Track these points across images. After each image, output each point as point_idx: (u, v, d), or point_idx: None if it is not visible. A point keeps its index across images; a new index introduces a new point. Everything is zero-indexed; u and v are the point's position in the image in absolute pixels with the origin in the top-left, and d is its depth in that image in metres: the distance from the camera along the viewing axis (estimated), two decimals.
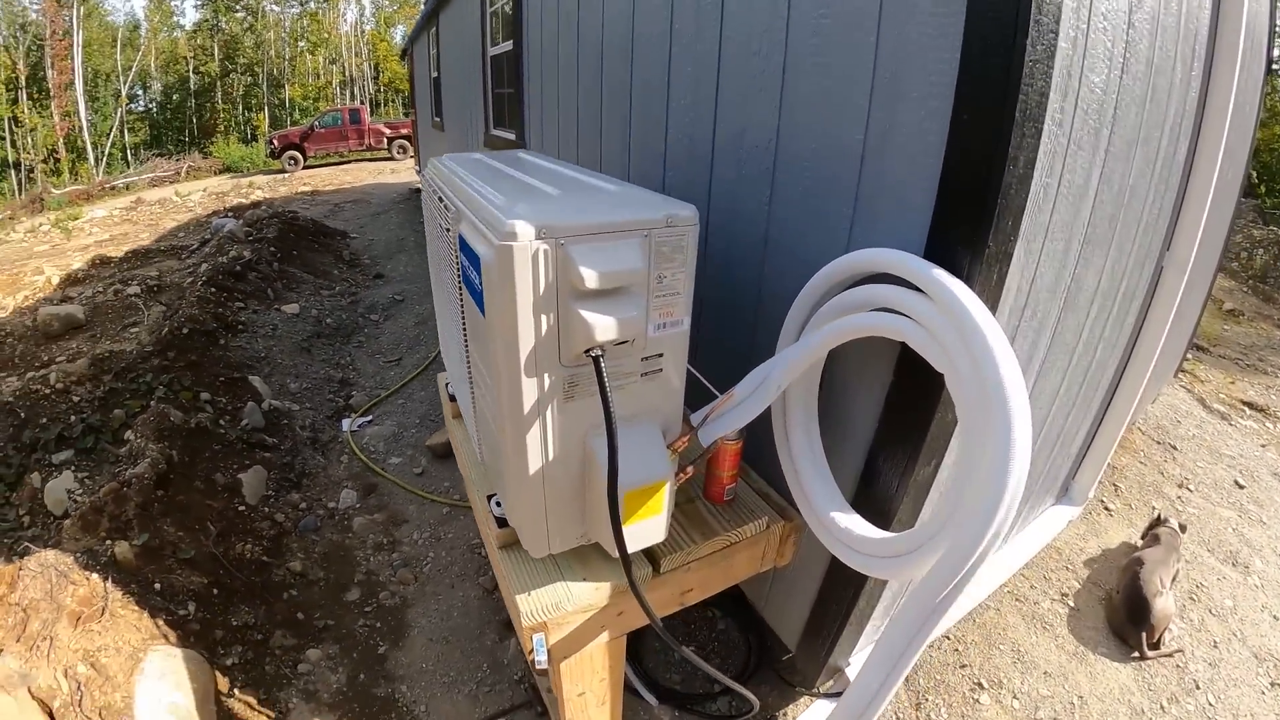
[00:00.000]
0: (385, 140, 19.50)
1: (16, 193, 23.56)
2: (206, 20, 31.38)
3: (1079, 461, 2.67)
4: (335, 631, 2.37)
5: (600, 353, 0.97)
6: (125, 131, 29.73)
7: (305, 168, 18.82)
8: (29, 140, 26.64)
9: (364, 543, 2.81)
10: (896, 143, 1.12)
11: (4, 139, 26.25)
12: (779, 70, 1.39)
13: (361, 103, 27.85)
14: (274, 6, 31.66)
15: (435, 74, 8.71)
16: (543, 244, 0.92)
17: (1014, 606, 2.41)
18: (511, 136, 4.30)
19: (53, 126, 26.88)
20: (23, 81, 26.45)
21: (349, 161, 19.86)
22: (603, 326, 0.96)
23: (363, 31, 33.62)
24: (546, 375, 1.03)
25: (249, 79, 31.65)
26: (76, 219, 13.18)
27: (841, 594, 1.62)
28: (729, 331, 1.76)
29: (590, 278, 0.93)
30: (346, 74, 32.88)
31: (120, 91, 29.39)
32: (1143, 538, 2.59)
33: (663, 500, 1.13)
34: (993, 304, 1.13)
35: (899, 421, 1.22)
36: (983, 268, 1.05)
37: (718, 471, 1.49)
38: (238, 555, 2.52)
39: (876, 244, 1.15)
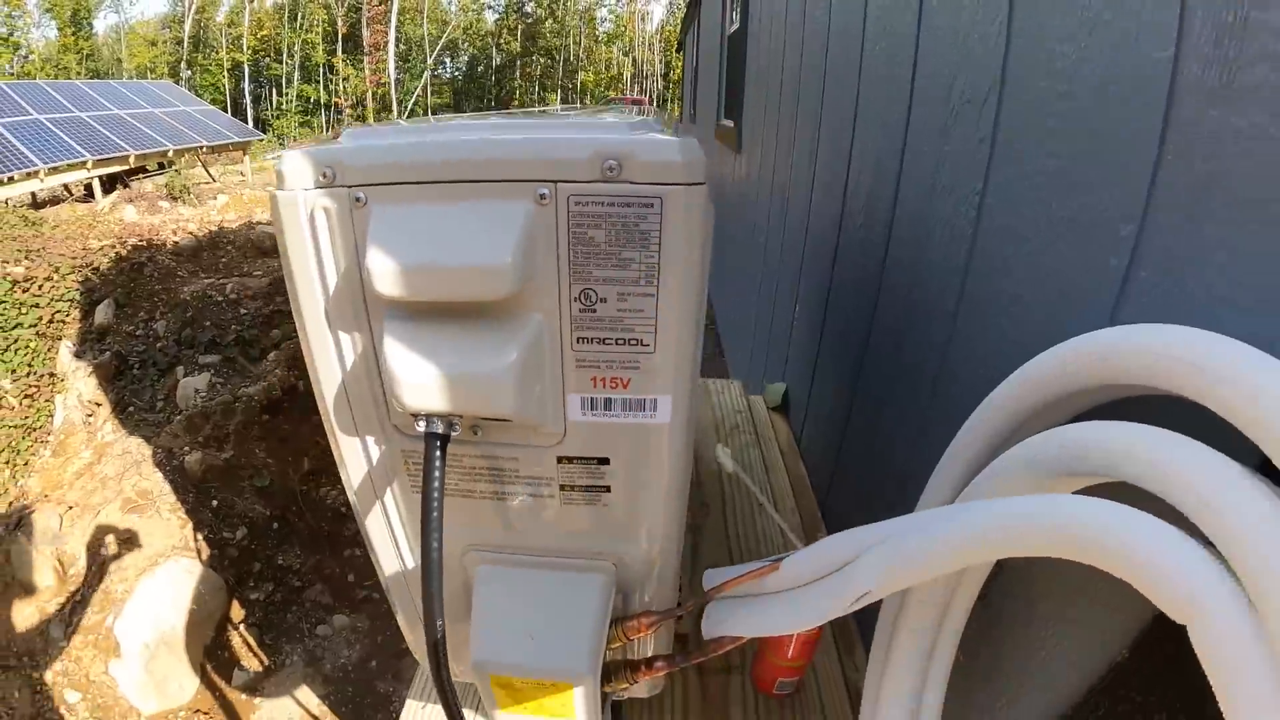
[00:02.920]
0: None
1: (325, 129, 28.52)
2: (513, 4, 34.88)
3: None
4: (373, 608, 2.14)
5: (435, 427, 0.46)
6: (429, 92, 34.28)
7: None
8: (341, 86, 31.80)
9: None
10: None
11: (319, 83, 31.59)
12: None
13: (643, 95, 28.90)
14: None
15: (694, 64, 8.51)
16: (326, 198, 0.43)
17: None
18: (731, 124, 3.82)
19: (363, 78, 31.94)
20: (339, 37, 31.75)
21: None
22: (414, 378, 0.44)
23: (662, 30, 35.04)
24: (370, 439, 0.53)
25: (547, 61, 34.59)
26: None
27: None
28: (900, 376, 1.00)
29: (384, 273, 0.42)
30: (638, 67, 34.35)
31: (428, 57, 33.89)
32: None
33: (571, 705, 0.59)
34: None
35: None
36: None
37: (772, 649, 0.88)
38: (318, 498, 2.40)
39: (1182, 319, 0.45)
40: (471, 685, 0.86)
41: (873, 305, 1.11)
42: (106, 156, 12.93)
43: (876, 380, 1.10)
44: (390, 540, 0.63)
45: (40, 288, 3.28)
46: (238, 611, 1.99)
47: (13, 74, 28.82)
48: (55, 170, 11.41)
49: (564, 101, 31.70)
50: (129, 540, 1.96)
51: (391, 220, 0.42)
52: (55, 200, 9.36)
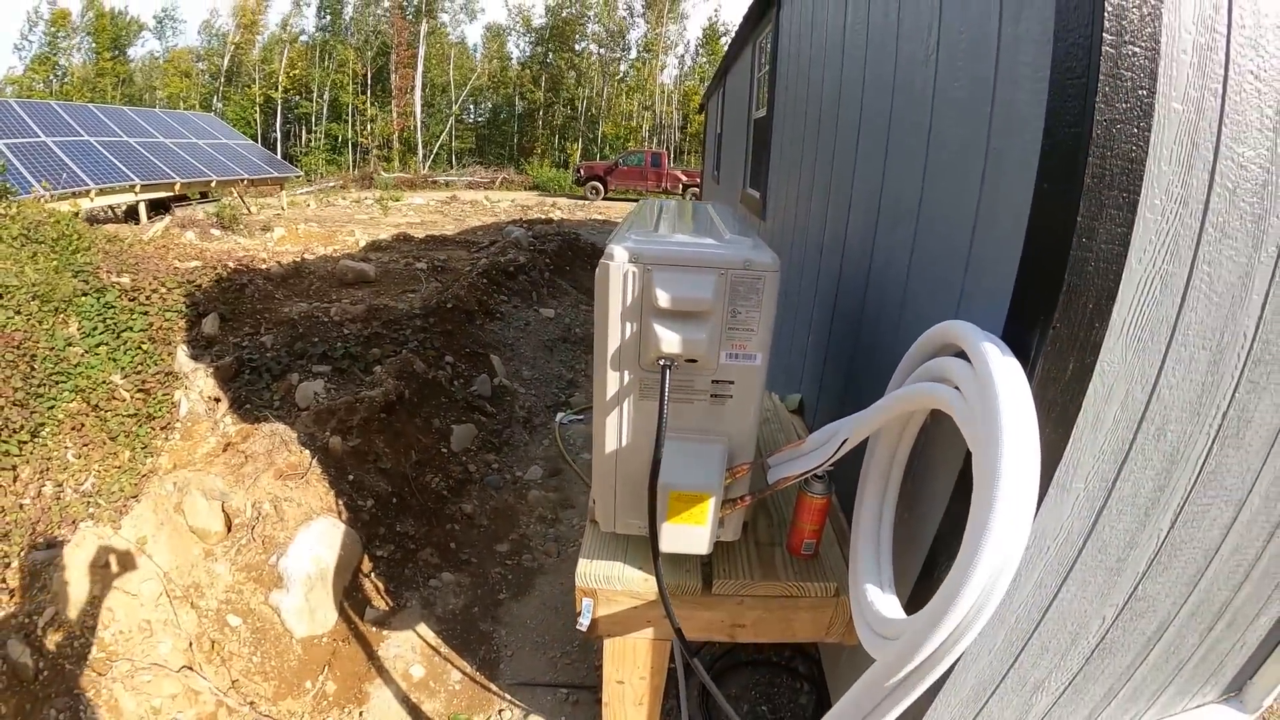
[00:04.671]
0: (680, 186, 20.47)
1: (351, 168, 30.04)
2: (537, 55, 36.92)
3: (1262, 657, 2.13)
4: (473, 568, 2.77)
5: (668, 363, 1.14)
6: (453, 137, 35.97)
7: (604, 199, 20.54)
8: (368, 128, 33.51)
9: (531, 511, 3.21)
10: (997, 213, 1.13)
11: (347, 122, 33.34)
12: (925, 136, 1.46)
13: (664, 148, 29.86)
14: (599, 50, 36.26)
15: (719, 130, 9.42)
16: (633, 266, 1.13)
17: None
18: (757, 195, 4.62)
19: (390, 120, 33.61)
20: (369, 79, 33.40)
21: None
22: (668, 340, 1.13)
23: (680, 82, 36.80)
24: (626, 373, 1.22)
25: (568, 111, 36.29)
26: (397, 200, 16.29)
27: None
28: (871, 377, 1.76)
29: (663, 298, 1.11)
30: (657, 120, 35.84)
31: (453, 102, 35.66)
32: None
33: (706, 512, 1.25)
34: (1071, 397, 1.06)
35: (959, 511, 1.20)
36: (1051, 350, 1.00)
37: (798, 523, 1.54)
38: (424, 482, 3.06)
39: (974, 317, 1.15)
40: (630, 539, 1.52)
41: (856, 332, 1.84)
42: (153, 182, 13.82)
43: (859, 386, 1.80)
44: (617, 430, 1.30)
45: (148, 298, 3.99)
46: (367, 564, 2.59)
47: (49, 92, 30.29)
48: (105, 191, 12.26)
49: (585, 155, 33.02)
50: (285, 500, 2.60)
51: (663, 278, 1.12)
52: (94, 219, 10.06)
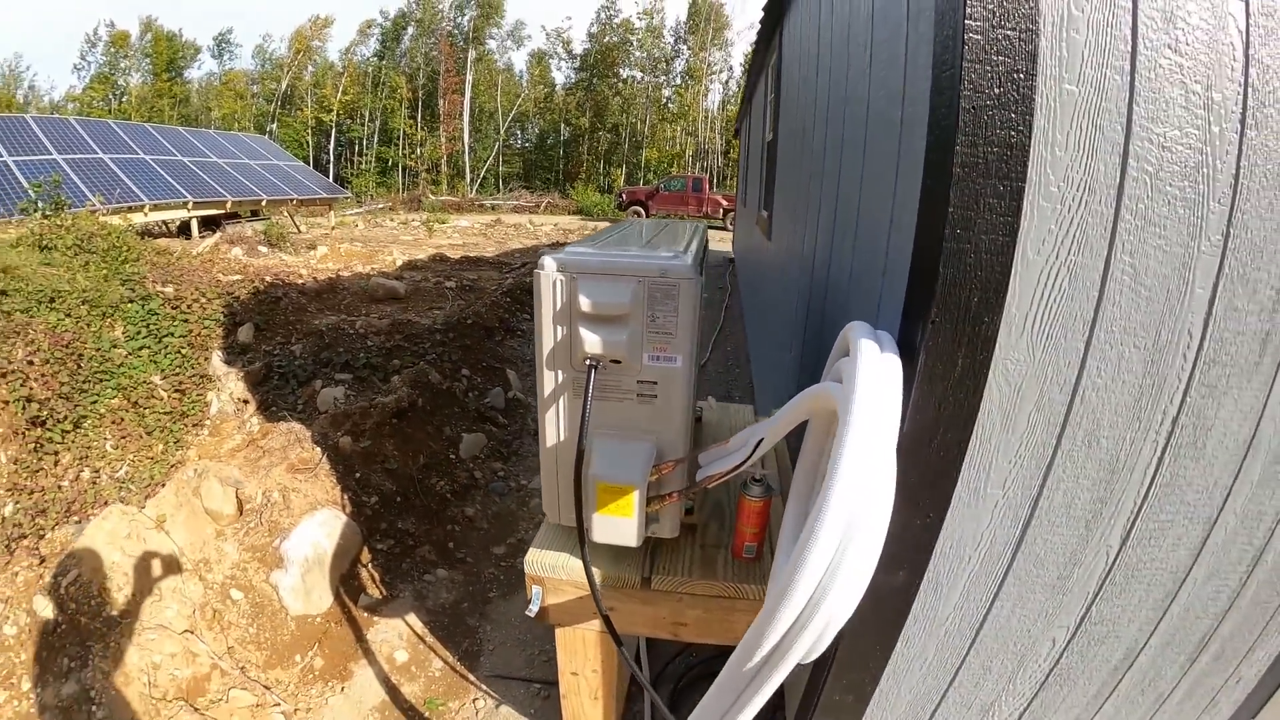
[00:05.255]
0: (721, 210, 20.79)
1: (400, 190, 31.23)
2: (582, 81, 37.91)
3: (1264, 695, 2.03)
4: (468, 568, 2.91)
5: (594, 364, 1.27)
6: (500, 161, 37.16)
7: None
8: (417, 152, 34.86)
9: (531, 518, 3.35)
10: (903, 217, 1.16)
11: (398, 145, 34.70)
12: (862, 149, 1.57)
13: (706, 173, 30.15)
14: (641, 76, 37.03)
15: (745, 155, 9.62)
16: (560, 275, 1.26)
17: None
18: (766, 216, 4.75)
19: (438, 144, 34.86)
20: (419, 104, 34.67)
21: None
22: (591, 342, 1.26)
23: (723, 108, 37.29)
24: (560, 372, 1.36)
25: (612, 137, 37.17)
26: (443, 223, 16.88)
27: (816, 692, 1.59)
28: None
29: (585, 303, 1.24)
30: (700, 145, 36.35)
31: (500, 127, 36.81)
32: None
33: (632, 505, 1.37)
34: (966, 394, 1.06)
35: None
36: (933, 345, 1.01)
37: (739, 526, 1.62)
38: (429, 484, 3.23)
39: (885, 320, 1.20)
40: (567, 529, 1.63)
41: (818, 346, 1.94)
42: (205, 200, 14.63)
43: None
44: (555, 426, 1.43)
45: (189, 307, 4.30)
46: (366, 555, 2.77)
47: (107, 111, 32.10)
48: (158, 206, 13.02)
49: (629, 179, 33.60)
50: (293, 491, 2.79)
51: (586, 285, 1.26)
52: (148, 233, 10.65)
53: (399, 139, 35.60)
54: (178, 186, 14.28)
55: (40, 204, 7.64)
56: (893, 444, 0.96)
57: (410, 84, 35.84)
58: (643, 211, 21.23)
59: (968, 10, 0.89)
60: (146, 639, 2.12)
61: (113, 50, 35.86)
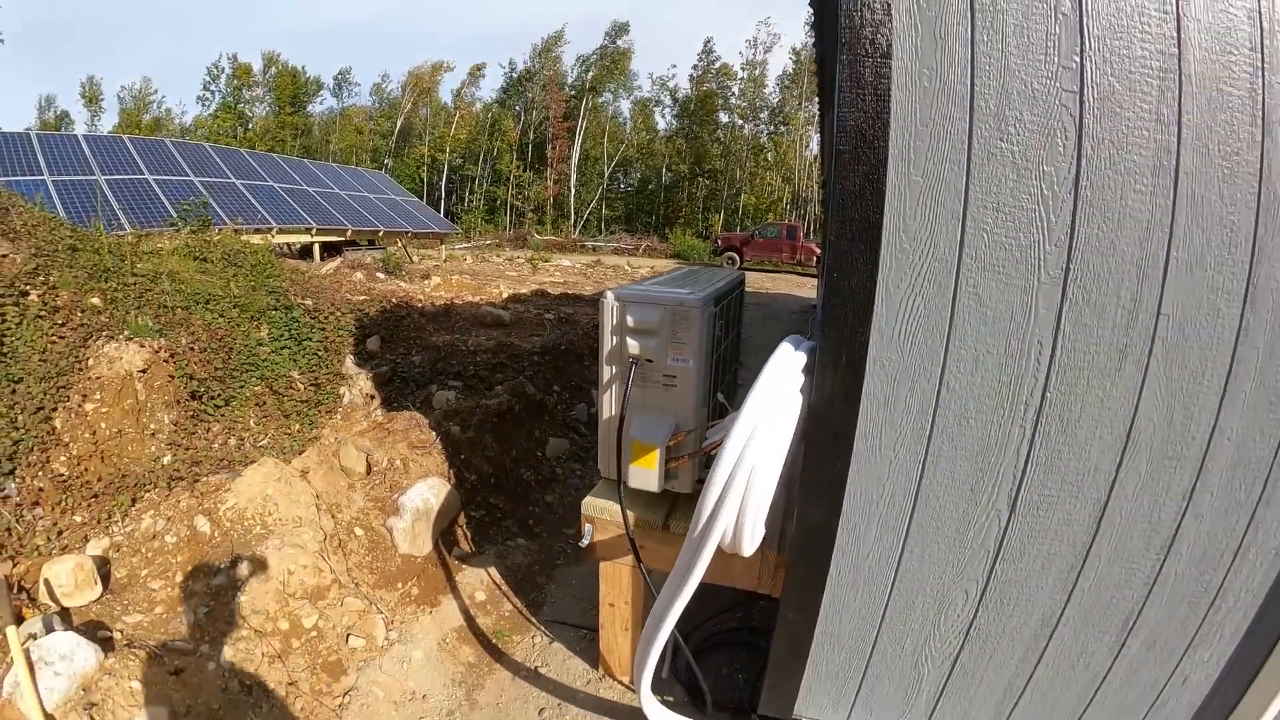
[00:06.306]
0: (815, 258, 20.93)
1: (507, 228, 33.38)
2: (682, 128, 39.64)
3: (1226, 708, 1.95)
4: (542, 540, 3.65)
5: (634, 361, 1.98)
6: (604, 205, 39.19)
7: (739, 269, 21.20)
8: (524, 192, 37.40)
9: None
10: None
11: (506, 185, 37.44)
12: None
13: (801, 222, 30.76)
14: (741, 123, 38.33)
15: None
16: (616, 302, 2.00)
17: None
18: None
19: (545, 186, 37.01)
20: (529, 148, 37.40)
21: (780, 272, 21.77)
22: (633, 346, 1.98)
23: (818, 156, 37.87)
24: (613, 367, 2.09)
25: (711, 183, 38.57)
26: (546, 261, 18.24)
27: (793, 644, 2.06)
28: None
29: (629, 321, 1.97)
30: (796, 193, 37.16)
31: (605, 172, 38.87)
32: None
33: (654, 460, 2.05)
34: (852, 379, 1.58)
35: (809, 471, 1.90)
36: (825, 345, 1.58)
37: None
38: (519, 474, 4.02)
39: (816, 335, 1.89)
40: (614, 486, 2.32)
41: None
42: (328, 227, 16.50)
43: None
44: (609, 404, 2.16)
45: (325, 318, 5.29)
46: (462, 519, 3.54)
47: (234, 139, 35.30)
48: (284, 230, 14.83)
49: (726, 225, 34.51)
50: (411, 461, 3.61)
51: (632, 309, 1.99)
52: (275, 253, 12.17)
53: (508, 180, 38.36)
54: (302, 213, 16.21)
55: (188, 220, 8.95)
56: (791, 391, 1.61)
57: (519, 126, 38.57)
58: (736, 257, 21.83)
59: (838, 143, 1.45)
60: (286, 553, 2.85)
61: (235, 82, 40.03)
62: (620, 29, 38.29)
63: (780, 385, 1.61)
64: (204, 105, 40.81)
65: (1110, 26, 1.38)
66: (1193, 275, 1.48)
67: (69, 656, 2.14)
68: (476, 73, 40.37)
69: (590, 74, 38.23)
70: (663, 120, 42.11)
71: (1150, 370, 1.54)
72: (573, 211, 37.91)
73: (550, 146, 38.17)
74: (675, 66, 66.74)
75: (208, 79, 40.41)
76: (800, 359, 1.69)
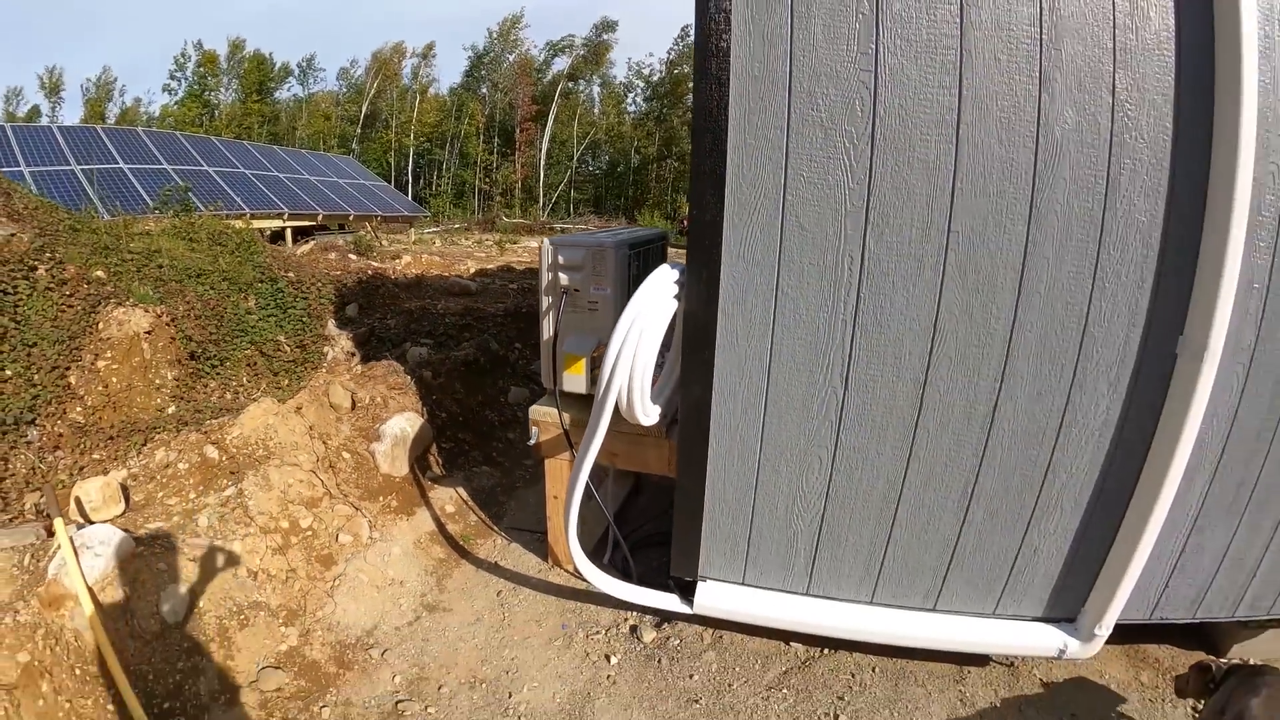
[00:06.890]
0: None
1: (475, 212, 33.63)
2: (652, 111, 40.07)
3: (1086, 583, 2.28)
4: (504, 469, 4.25)
5: (565, 291, 2.59)
6: (572, 188, 39.51)
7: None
8: (492, 175, 37.69)
9: None
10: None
11: (473, 169, 37.68)
12: None
13: None
14: None
15: None
16: (550, 245, 2.61)
17: None
18: None
19: (513, 169, 37.26)
20: (495, 131, 37.42)
21: None
22: (563, 279, 2.59)
23: None
24: (549, 297, 2.69)
25: (680, 165, 39.03)
26: (514, 243, 18.60)
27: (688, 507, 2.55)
28: None
29: (560, 259, 2.58)
30: None
31: (574, 155, 39.20)
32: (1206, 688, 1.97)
33: (582, 368, 2.66)
34: (711, 289, 2.10)
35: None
36: (692, 265, 2.12)
37: None
38: (483, 415, 4.62)
39: None
40: (560, 395, 2.93)
41: None
42: (299, 212, 16.78)
43: None
44: (548, 327, 2.77)
45: (308, 289, 5.79)
46: (434, 450, 4.12)
47: (201, 127, 34.42)
48: (257, 216, 15.05)
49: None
50: (390, 399, 4.17)
51: (562, 250, 2.60)
52: None
53: (476, 163, 38.46)
54: (274, 199, 16.49)
55: (170, 205, 9.42)
56: (667, 295, 2.20)
57: (484, 110, 38.55)
58: None
59: (695, 118, 2.13)
60: (285, 470, 3.38)
61: (201, 70, 39.12)
62: (607, 26, 38.55)
63: (658, 288, 2.22)
64: (170, 95, 39.99)
65: (900, 19, 1.82)
66: (977, 201, 1.91)
67: (106, 541, 2.61)
68: (428, 52, 40.15)
69: (557, 58, 38.38)
70: (633, 105, 42.45)
71: (947, 274, 1.97)
72: (541, 194, 38.17)
73: (519, 130, 38.30)
74: (653, 54, 66.84)
75: (174, 67, 39.52)
76: (675, 274, 2.30)
